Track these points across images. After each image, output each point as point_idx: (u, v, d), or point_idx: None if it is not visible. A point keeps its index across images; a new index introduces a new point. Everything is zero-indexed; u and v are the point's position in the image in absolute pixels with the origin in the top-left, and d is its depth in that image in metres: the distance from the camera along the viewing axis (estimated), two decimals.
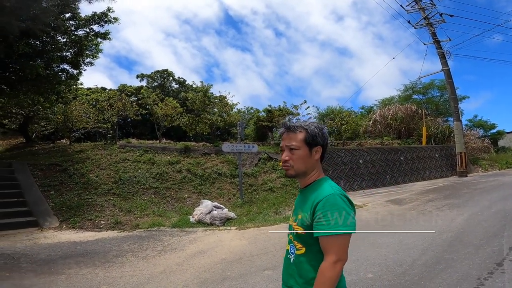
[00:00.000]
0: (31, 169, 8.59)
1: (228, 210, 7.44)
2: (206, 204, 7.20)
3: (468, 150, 16.48)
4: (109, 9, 9.36)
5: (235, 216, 7.28)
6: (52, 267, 4.30)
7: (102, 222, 6.90)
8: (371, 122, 20.10)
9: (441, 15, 16.23)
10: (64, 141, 13.77)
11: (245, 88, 72.32)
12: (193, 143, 12.84)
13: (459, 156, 15.02)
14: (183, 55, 77.67)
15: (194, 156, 10.90)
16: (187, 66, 73.55)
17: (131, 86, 25.54)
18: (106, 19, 9.47)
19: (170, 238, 5.82)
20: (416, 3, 16.36)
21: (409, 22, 17.47)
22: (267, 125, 14.87)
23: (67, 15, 9.02)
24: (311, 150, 1.34)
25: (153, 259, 4.67)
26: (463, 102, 26.45)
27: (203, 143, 13.14)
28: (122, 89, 22.96)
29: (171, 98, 14.92)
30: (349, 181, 11.89)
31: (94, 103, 15.98)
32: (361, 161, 12.60)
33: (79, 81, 12.49)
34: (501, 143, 28.25)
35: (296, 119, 13.72)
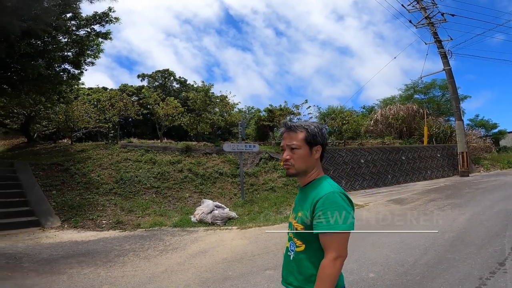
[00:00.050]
0: (33, 169, 8.62)
1: (229, 210, 7.44)
2: (207, 204, 7.20)
3: (469, 149, 16.43)
4: (110, 9, 9.38)
5: (236, 216, 7.28)
6: (54, 266, 4.31)
7: (104, 221, 6.91)
8: (372, 121, 20.07)
9: (442, 14, 16.19)
10: (65, 140, 13.81)
11: (245, 88, 72.26)
12: (194, 143, 12.84)
13: (460, 155, 14.97)
14: (184, 55, 77.66)
15: (195, 155, 10.91)
16: (188, 65, 73.55)
17: (132, 86, 25.54)
18: (107, 19, 9.48)
19: (172, 237, 5.82)
20: (418, 2, 16.30)
21: (410, 21, 17.40)
22: (268, 125, 14.87)
23: (68, 15, 9.03)
24: (312, 149, 1.36)
25: (154, 258, 4.68)
26: (465, 101, 26.39)
27: (204, 142, 13.14)
28: (123, 89, 22.95)
29: (172, 98, 14.95)
30: (351, 181, 11.88)
31: (95, 103, 16.03)
32: (362, 161, 12.58)
33: (80, 81, 12.53)
34: (502, 142, 28.14)
35: (297, 118, 13.72)
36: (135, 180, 8.88)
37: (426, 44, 17.00)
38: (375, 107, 26.56)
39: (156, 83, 28.07)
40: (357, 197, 9.63)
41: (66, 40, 9.26)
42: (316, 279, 1.23)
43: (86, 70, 10.35)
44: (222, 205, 7.45)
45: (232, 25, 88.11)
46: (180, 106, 13.82)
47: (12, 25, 6.75)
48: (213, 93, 14.25)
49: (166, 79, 28.48)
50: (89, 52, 9.91)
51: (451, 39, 16.44)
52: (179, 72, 65.80)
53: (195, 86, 17.24)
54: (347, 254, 1.24)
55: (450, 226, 5.69)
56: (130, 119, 18.84)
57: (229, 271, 4.05)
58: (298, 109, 14.30)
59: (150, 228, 6.52)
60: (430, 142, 16.87)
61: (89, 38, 9.54)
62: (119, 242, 5.59)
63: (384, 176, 12.85)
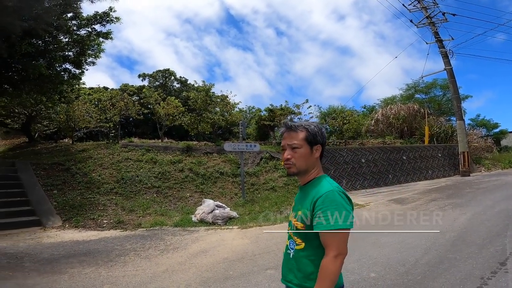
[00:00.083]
0: (34, 169, 8.64)
1: (230, 209, 7.44)
2: (208, 203, 7.21)
3: (470, 149, 16.39)
4: (111, 8, 9.39)
5: (237, 215, 7.29)
6: (55, 266, 4.32)
7: (105, 221, 6.92)
8: (373, 121, 20.02)
9: (443, 14, 16.14)
10: (66, 140, 13.84)
11: (246, 88, 72.17)
12: (195, 142, 12.85)
13: (461, 155, 14.94)
14: (185, 54, 77.58)
15: (196, 155, 10.92)
16: (189, 65, 73.48)
17: (133, 85, 25.53)
18: (108, 18, 9.49)
19: (173, 237, 5.83)
20: (419, 2, 16.26)
21: (411, 21, 17.36)
22: (268, 124, 14.86)
23: (69, 15, 9.04)
24: (312, 148, 1.39)
25: (155, 258, 4.69)
26: (466, 101, 26.27)
27: (205, 142, 13.14)
28: (124, 88, 22.97)
29: (173, 98, 14.94)
30: (351, 181, 11.87)
31: (96, 102, 16.02)
32: (363, 161, 12.56)
33: (81, 81, 12.52)
34: (504, 142, 28.06)
35: (298, 118, 13.70)
36: (136, 180, 8.89)
37: (427, 43, 16.99)
38: (376, 107, 26.51)
39: (157, 83, 28.06)
40: (358, 197, 9.62)
41: (67, 39, 9.28)
42: (315, 277, 1.25)
43: (87, 69, 10.38)
44: (223, 205, 7.46)
45: (233, 25, 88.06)
46: (181, 105, 13.83)
47: (13, 25, 6.76)
48: (213, 92, 14.26)
49: (167, 79, 28.47)
50: (90, 51, 9.93)
51: (452, 38, 16.40)
52: (180, 71, 65.74)
53: (195, 85, 17.24)
54: (347, 252, 1.26)
55: (451, 225, 5.68)
56: (131, 119, 18.86)
57: (230, 270, 4.06)
58: (299, 109, 14.29)
59: (151, 228, 6.53)
60: (431, 141, 16.84)
61: (90, 38, 9.54)
62: (120, 241, 5.60)
63: (385, 176, 12.84)
